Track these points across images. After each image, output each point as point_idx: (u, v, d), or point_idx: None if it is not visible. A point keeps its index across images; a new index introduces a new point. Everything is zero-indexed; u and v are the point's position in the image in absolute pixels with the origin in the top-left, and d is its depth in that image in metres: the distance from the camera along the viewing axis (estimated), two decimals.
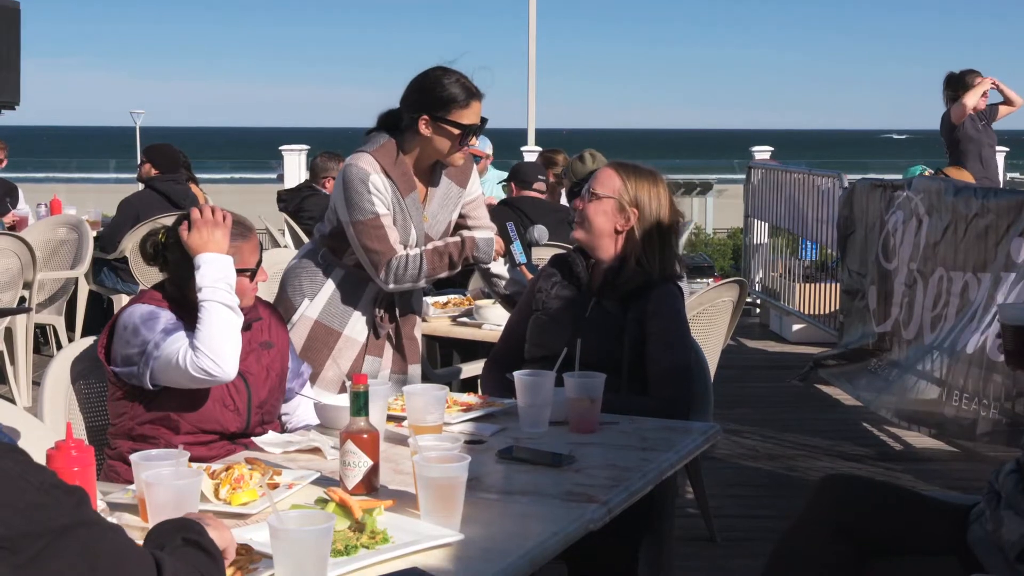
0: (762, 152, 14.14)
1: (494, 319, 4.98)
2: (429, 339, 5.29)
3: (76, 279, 8.08)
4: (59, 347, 7.77)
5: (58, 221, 8.33)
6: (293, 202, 9.12)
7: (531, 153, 14.57)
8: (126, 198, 8.54)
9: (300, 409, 3.51)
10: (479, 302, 5.23)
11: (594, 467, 2.83)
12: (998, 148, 9.85)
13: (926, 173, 8.44)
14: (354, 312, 4.04)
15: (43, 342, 8.72)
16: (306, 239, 7.94)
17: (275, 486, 2.59)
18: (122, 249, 8.09)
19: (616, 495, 2.63)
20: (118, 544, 1.74)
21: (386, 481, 2.67)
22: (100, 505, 2.44)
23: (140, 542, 1.85)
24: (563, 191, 7.90)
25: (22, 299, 7.17)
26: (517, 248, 4.18)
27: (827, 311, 9.02)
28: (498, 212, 6.71)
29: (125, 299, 8.06)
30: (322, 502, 2.41)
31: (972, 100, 8.92)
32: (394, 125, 3.95)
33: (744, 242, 11.19)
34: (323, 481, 2.67)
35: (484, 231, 4.13)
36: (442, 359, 6.02)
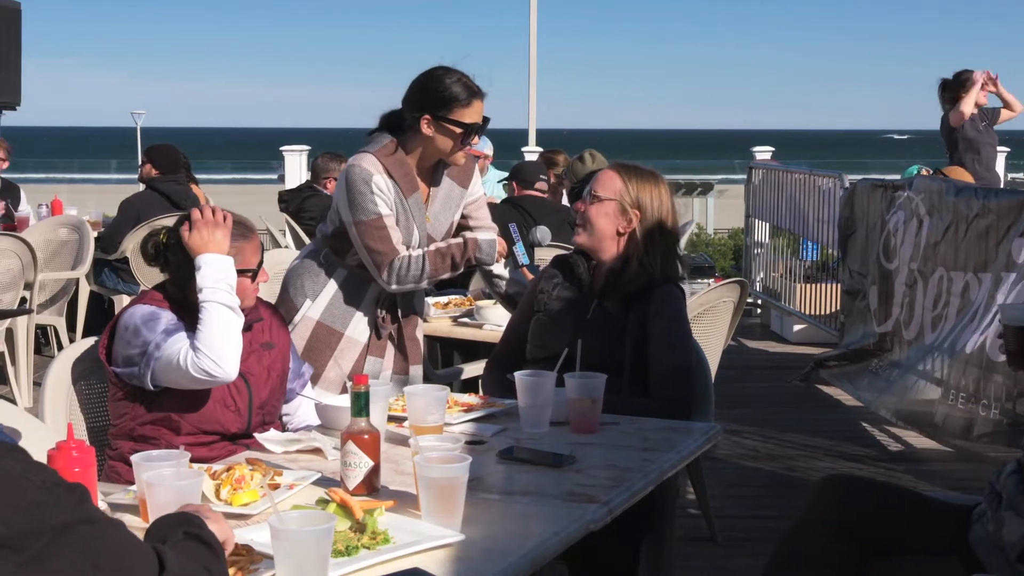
0: (763, 152, 14.14)
1: (495, 319, 4.98)
2: (430, 339, 5.29)
3: (77, 280, 8.08)
4: (60, 348, 7.77)
5: (59, 222, 8.33)
6: (294, 203, 9.11)
7: (532, 153, 14.58)
8: (127, 199, 8.54)
9: (301, 410, 3.51)
10: (480, 303, 5.23)
11: (595, 467, 2.83)
12: (999, 149, 9.85)
13: (924, 172, 8.44)
14: (356, 312, 4.04)
15: (44, 343, 8.72)
16: (307, 240, 7.94)
17: (276, 487, 2.60)
18: (123, 250, 8.09)
19: (617, 495, 2.63)
20: (120, 539, 1.74)
21: (387, 482, 2.67)
22: (101, 506, 2.44)
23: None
24: (564, 191, 7.89)
25: (23, 300, 7.17)
26: (520, 249, 4.17)
27: (828, 311, 9.02)
28: (501, 211, 6.71)
29: (126, 300, 8.06)
30: (323, 503, 2.41)
31: (968, 106, 8.95)
32: (396, 125, 3.96)
33: (745, 242, 11.19)
34: (324, 482, 2.67)
35: (486, 232, 4.12)
36: (443, 359, 6.02)
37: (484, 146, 8.76)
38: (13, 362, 7.15)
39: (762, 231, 10.63)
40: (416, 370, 4.16)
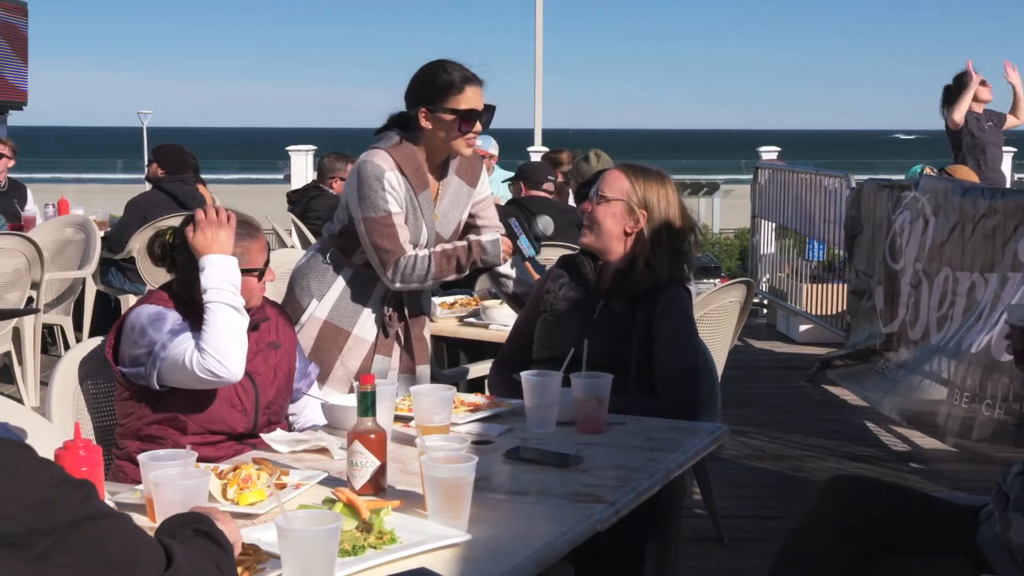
0: (769, 152, 14.13)
1: (501, 319, 4.98)
2: (436, 339, 5.29)
3: (84, 279, 8.09)
4: (66, 347, 7.78)
5: (66, 221, 8.34)
6: (300, 203, 9.12)
7: (538, 153, 14.57)
8: (133, 198, 8.55)
9: (307, 409, 3.51)
10: (486, 303, 5.23)
11: (601, 467, 2.83)
12: (1006, 149, 9.84)
13: (927, 171, 8.44)
14: (363, 311, 4.04)
15: (51, 342, 8.74)
16: (313, 240, 7.94)
17: (282, 486, 2.60)
18: (129, 249, 8.10)
19: (623, 495, 2.63)
20: (127, 534, 1.75)
21: (393, 481, 2.67)
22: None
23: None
24: (571, 191, 7.89)
25: (30, 299, 7.18)
26: (524, 243, 4.14)
27: (834, 311, 9.02)
28: (506, 212, 6.71)
29: (132, 299, 8.07)
30: (329, 502, 2.41)
31: (960, 111, 8.97)
32: (404, 124, 3.97)
33: (751, 242, 11.18)
34: (330, 481, 2.67)
35: (492, 232, 4.12)
36: (449, 359, 6.02)
37: (488, 145, 8.75)
38: (20, 361, 7.15)
39: (768, 231, 10.62)
40: (423, 369, 4.16)
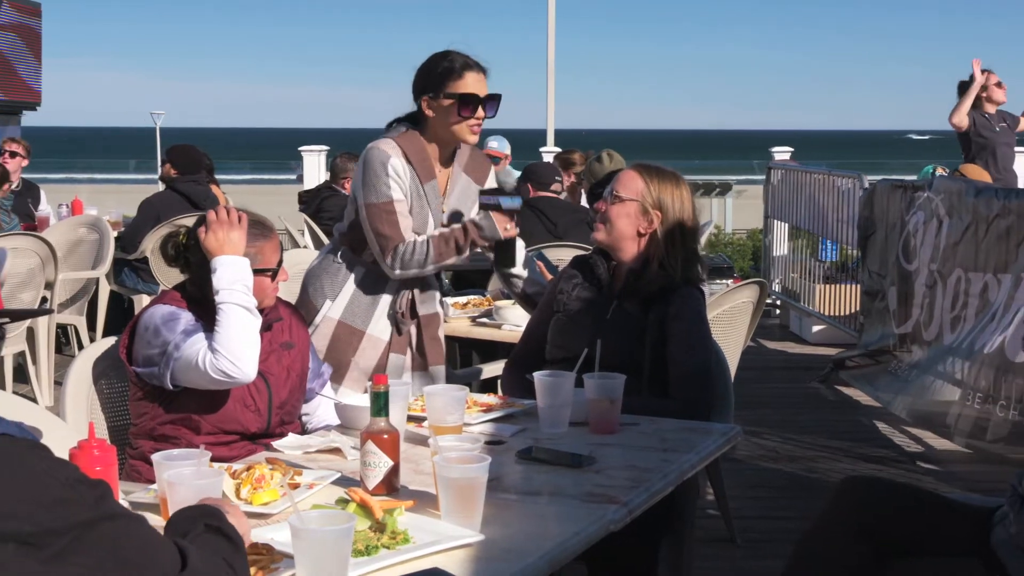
0: (782, 153, 14.11)
1: (514, 320, 4.98)
2: (449, 339, 5.30)
3: (97, 279, 8.11)
4: (80, 347, 7.80)
5: (79, 221, 8.36)
6: (313, 203, 9.13)
7: (550, 154, 14.57)
8: (147, 199, 8.57)
9: (320, 409, 3.51)
10: (499, 303, 5.23)
11: (614, 468, 2.83)
12: (1018, 149, 9.81)
13: (939, 171, 8.42)
14: (376, 310, 4.04)
15: (64, 342, 8.76)
16: (326, 240, 7.95)
17: (296, 486, 2.60)
18: (142, 249, 8.12)
19: (636, 496, 2.63)
20: (142, 535, 1.75)
21: (406, 481, 2.67)
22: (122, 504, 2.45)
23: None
24: (583, 192, 7.89)
25: (43, 299, 7.21)
26: (507, 201, 3.87)
27: (847, 312, 9.00)
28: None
29: (146, 299, 8.09)
30: (343, 502, 2.41)
31: (960, 114, 8.97)
32: (413, 120, 3.99)
33: (764, 243, 11.16)
34: (344, 481, 2.67)
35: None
36: (462, 360, 6.02)
37: (502, 146, 8.76)
38: (34, 361, 7.18)
39: (781, 231, 10.60)
40: (438, 370, 4.16)
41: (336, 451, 2.96)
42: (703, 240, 9.34)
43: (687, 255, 3.68)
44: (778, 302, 10.43)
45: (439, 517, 2.41)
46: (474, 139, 3.97)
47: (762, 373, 8.13)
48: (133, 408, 3.26)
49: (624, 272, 3.72)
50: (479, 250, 3.97)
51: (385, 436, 2.59)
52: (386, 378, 2.65)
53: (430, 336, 4.12)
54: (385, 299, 4.04)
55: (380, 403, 2.62)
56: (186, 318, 3.16)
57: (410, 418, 3.14)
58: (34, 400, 6.72)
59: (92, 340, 7.42)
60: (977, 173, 8.41)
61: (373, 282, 4.04)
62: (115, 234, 8.22)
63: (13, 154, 9.42)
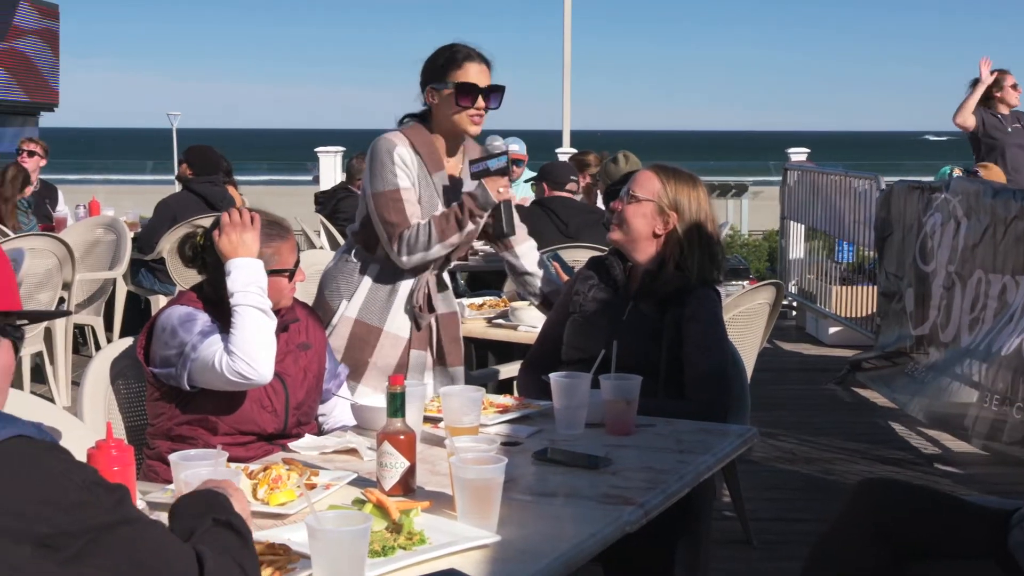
0: (798, 154, 14.07)
1: (529, 321, 4.98)
2: (465, 341, 5.30)
3: (114, 280, 8.14)
4: (97, 347, 7.83)
5: (97, 222, 8.39)
6: (329, 204, 9.15)
7: (566, 155, 14.56)
8: (163, 199, 8.59)
9: (337, 410, 3.52)
10: (515, 304, 5.23)
11: (630, 469, 2.82)
12: None
13: (956, 172, 8.39)
14: (392, 306, 4.03)
15: (81, 342, 8.79)
16: (342, 241, 7.97)
17: (312, 487, 2.61)
18: (159, 250, 8.15)
19: (653, 497, 2.62)
20: (160, 540, 1.76)
21: (423, 482, 2.68)
22: (139, 504, 2.45)
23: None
24: (599, 193, 7.88)
25: (61, 300, 7.24)
26: (494, 163, 3.92)
27: (864, 314, 8.97)
28: (531, 213, 6.71)
29: (162, 300, 8.12)
30: (359, 503, 2.41)
31: (964, 114, 8.94)
32: (423, 117, 4.01)
33: (780, 244, 11.14)
34: (360, 482, 2.68)
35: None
36: (477, 361, 6.03)
37: (521, 148, 8.75)
38: (51, 361, 7.21)
39: (797, 233, 10.58)
40: (458, 371, 4.16)
41: (352, 452, 2.96)
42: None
43: (704, 256, 3.67)
44: (794, 304, 10.41)
45: (455, 518, 2.41)
46: (475, 130, 3.97)
47: (778, 375, 8.12)
48: (150, 408, 3.27)
49: (640, 273, 3.71)
50: (480, 220, 3.92)
51: (401, 437, 2.60)
52: (403, 379, 2.66)
53: (450, 337, 4.13)
54: (401, 294, 4.04)
55: (396, 404, 2.63)
56: (203, 319, 3.17)
57: (426, 419, 3.15)
58: (51, 400, 6.75)
59: (109, 340, 7.45)
60: (994, 173, 8.37)
61: (388, 278, 4.04)
62: (132, 235, 8.25)
63: (31, 153, 9.47)
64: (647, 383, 3.22)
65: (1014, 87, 9.15)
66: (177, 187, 9.41)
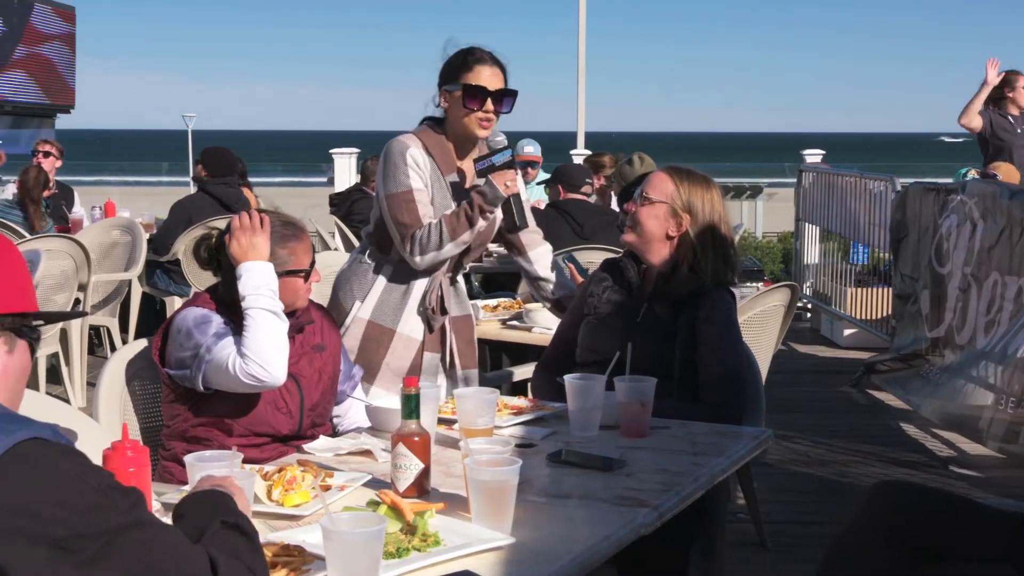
0: (813, 155, 14.05)
1: (544, 322, 4.97)
2: (479, 342, 5.31)
3: (130, 281, 8.17)
4: (112, 348, 7.86)
5: (112, 224, 8.42)
6: (344, 206, 9.16)
7: (580, 156, 14.56)
8: (178, 201, 8.62)
9: (351, 411, 3.52)
10: (529, 305, 5.23)
11: (645, 471, 2.82)
12: None
13: (972, 174, 8.36)
14: (405, 308, 4.04)
15: (97, 343, 8.82)
16: (356, 243, 7.98)
17: (327, 488, 2.61)
18: (174, 251, 8.17)
19: (667, 500, 2.62)
20: (173, 544, 1.76)
21: (437, 484, 2.68)
22: (155, 506, 2.46)
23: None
24: (614, 195, 7.87)
25: (77, 301, 7.26)
26: (499, 158, 3.90)
27: (879, 316, 8.95)
28: (546, 215, 6.71)
29: (177, 301, 8.14)
30: (374, 504, 2.41)
31: (969, 114, 8.91)
32: (439, 121, 4.02)
33: (795, 246, 11.12)
34: (375, 484, 2.68)
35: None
36: (492, 362, 6.03)
37: (536, 150, 8.75)
38: (67, 362, 7.23)
39: (812, 235, 10.56)
40: (471, 373, 4.17)
41: (367, 453, 2.97)
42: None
43: (718, 258, 3.67)
44: (809, 305, 10.39)
45: (470, 520, 2.41)
46: (484, 133, 3.96)
47: (793, 377, 8.11)
48: (166, 410, 3.28)
49: (654, 275, 3.71)
50: (490, 216, 3.91)
51: (416, 439, 2.60)
52: (417, 380, 2.66)
53: (464, 340, 4.13)
54: (414, 296, 4.04)
55: (411, 405, 2.63)
56: (218, 321, 3.18)
57: (441, 421, 3.15)
58: (67, 401, 6.77)
59: (124, 341, 7.47)
60: (1010, 173, 8.34)
61: (401, 280, 4.04)
62: (147, 236, 8.28)
63: (46, 154, 9.51)
64: (661, 385, 3.21)
65: None
66: (193, 188, 9.43)
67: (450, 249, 3.91)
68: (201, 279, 7.55)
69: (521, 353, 5.61)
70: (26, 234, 7.96)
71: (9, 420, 1.71)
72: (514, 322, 5.25)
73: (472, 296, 4.40)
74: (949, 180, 8.67)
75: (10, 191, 9.35)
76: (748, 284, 8.29)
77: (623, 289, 3.75)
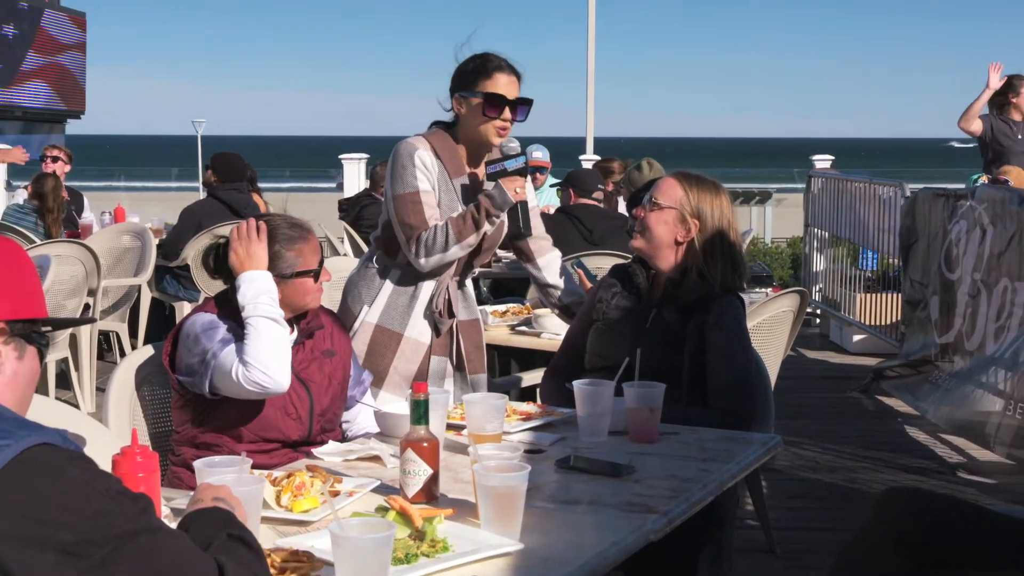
0: (822, 161, 14.03)
1: (553, 328, 4.98)
2: (488, 348, 5.31)
3: (139, 286, 8.18)
4: (122, 353, 7.87)
5: (122, 229, 8.44)
6: (353, 211, 9.17)
7: (589, 161, 14.56)
8: (188, 206, 8.64)
9: (361, 417, 3.52)
10: (538, 311, 5.23)
11: (654, 477, 2.82)
12: None
13: (982, 179, 8.34)
14: (413, 312, 4.04)
15: (106, 348, 8.84)
16: (365, 248, 7.99)
17: (336, 494, 2.61)
18: (184, 257, 8.19)
19: (676, 506, 2.62)
20: (182, 550, 1.76)
21: (446, 490, 2.68)
22: (164, 511, 2.46)
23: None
24: (620, 199, 7.87)
25: (86, 306, 7.28)
26: (511, 164, 3.89)
27: (888, 321, 8.94)
28: (555, 220, 6.72)
29: (187, 306, 8.16)
30: (382, 510, 2.42)
31: (968, 119, 8.90)
32: (449, 125, 4.02)
33: (803, 252, 11.11)
34: (383, 489, 2.68)
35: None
36: (500, 368, 6.03)
37: (545, 155, 8.75)
38: (76, 367, 7.24)
39: (821, 240, 10.55)
40: (480, 378, 4.17)
41: (376, 459, 2.97)
42: (744, 247, 9.29)
43: (726, 264, 3.66)
44: (818, 311, 10.38)
45: (478, 525, 2.41)
46: (499, 141, 3.96)
47: (802, 383, 8.10)
48: (175, 415, 3.28)
49: (663, 281, 3.71)
50: (496, 220, 3.91)
51: (425, 444, 2.60)
52: (426, 386, 2.66)
53: (473, 345, 4.13)
54: (421, 300, 4.05)
55: (420, 411, 2.63)
56: (224, 327, 3.19)
57: (449, 426, 3.15)
58: (76, 406, 6.78)
59: (134, 347, 7.49)
60: (1021, 178, 8.32)
61: (408, 283, 4.05)
62: (157, 241, 8.30)
63: (55, 159, 9.54)
64: (670, 391, 3.21)
65: None
66: (203, 194, 9.45)
67: (455, 251, 3.91)
68: (210, 284, 7.57)
69: (530, 359, 5.61)
70: (36, 240, 7.99)
71: (18, 426, 1.72)
72: (523, 327, 5.26)
73: (481, 301, 4.40)
74: (959, 186, 8.65)
75: (21, 196, 9.39)
76: (757, 290, 8.27)
77: (632, 295, 3.75)
